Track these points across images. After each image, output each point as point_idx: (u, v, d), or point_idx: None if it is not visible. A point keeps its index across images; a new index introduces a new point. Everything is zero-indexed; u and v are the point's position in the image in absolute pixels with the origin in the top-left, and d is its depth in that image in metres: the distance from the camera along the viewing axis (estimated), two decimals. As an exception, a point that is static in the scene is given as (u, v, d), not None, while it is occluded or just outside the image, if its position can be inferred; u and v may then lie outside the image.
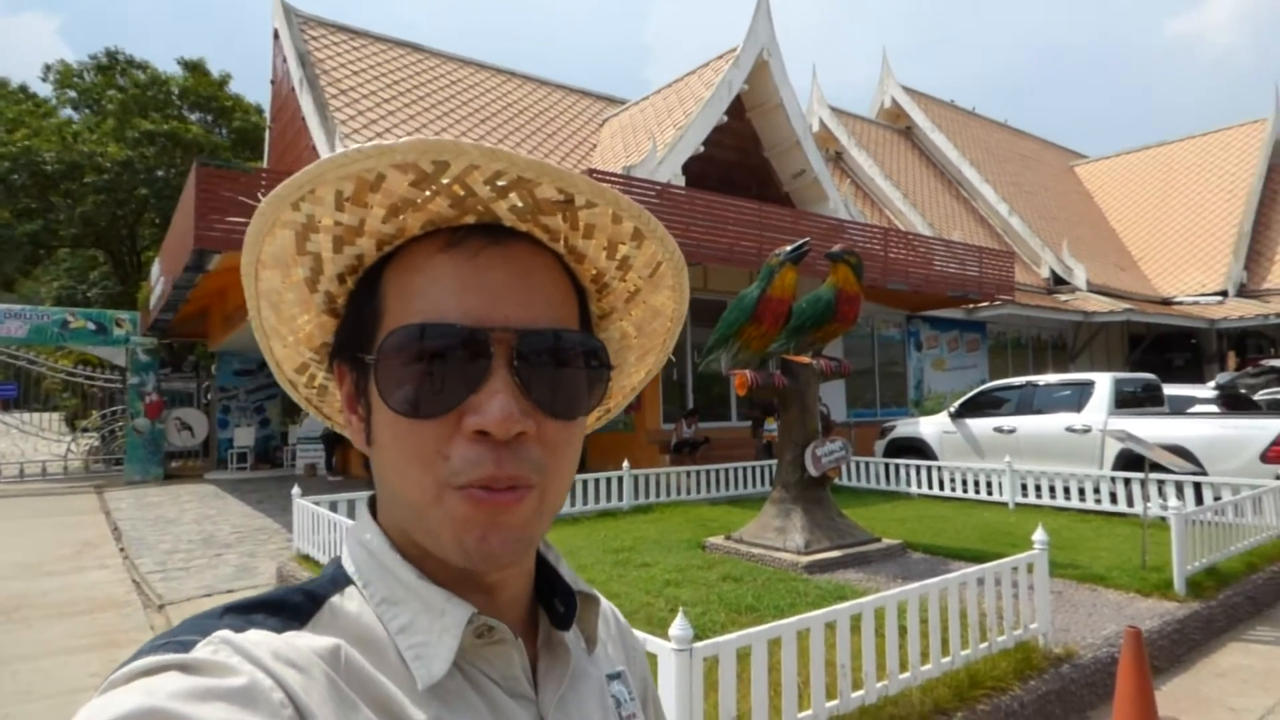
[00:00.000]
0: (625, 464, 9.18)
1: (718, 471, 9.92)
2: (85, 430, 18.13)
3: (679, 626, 2.71)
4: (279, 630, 0.48)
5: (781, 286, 6.35)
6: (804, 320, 6.69)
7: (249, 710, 0.41)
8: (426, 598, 0.52)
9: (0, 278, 24.69)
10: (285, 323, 0.59)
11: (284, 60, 14.92)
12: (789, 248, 6.46)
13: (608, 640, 0.69)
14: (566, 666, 0.59)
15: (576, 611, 0.60)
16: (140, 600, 6.12)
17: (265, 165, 18.44)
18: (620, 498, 8.96)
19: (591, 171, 10.27)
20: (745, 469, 10.18)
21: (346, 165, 0.49)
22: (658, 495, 9.39)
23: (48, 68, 25.99)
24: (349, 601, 0.53)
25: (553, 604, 0.61)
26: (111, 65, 25.88)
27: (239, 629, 0.46)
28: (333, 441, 14.19)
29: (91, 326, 15.36)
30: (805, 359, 6.63)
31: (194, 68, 26.86)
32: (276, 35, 15.32)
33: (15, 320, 14.64)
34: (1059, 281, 21.25)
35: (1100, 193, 28.91)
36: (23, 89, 26.07)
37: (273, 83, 16.62)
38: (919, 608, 3.52)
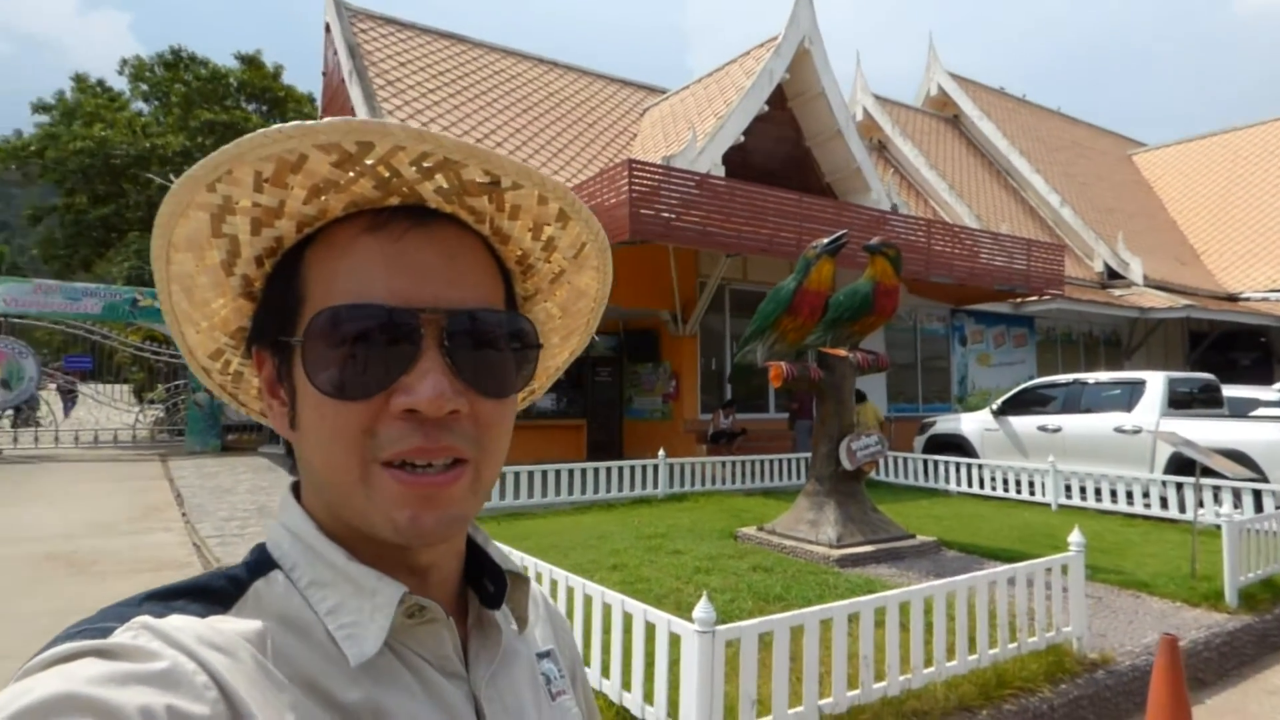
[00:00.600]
0: (661, 452, 9.23)
1: (753, 462, 9.92)
2: (151, 402, 19.10)
3: (702, 609, 2.76)
4: (202, 615, 0.47)
5: (818, 279, 6.32)
6: (841, 313, 6.65)
7: (171, 693, 0.40)
8: (357, 579, 0.52)
9: (78, 259, 25.84)
10: (198, 307, 0.57)
11: (334, 52, 15.20)
12: (826, 240, 6.42)
13: (537, 621, 0.69)
14: (498, 645, 0.59)
15: (507, 590, 0.60)
16: (200, 562, 6.42)
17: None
18: (655, 485, 9.02)
19: (631, 162, 10.28)
20: (780, 460, 10.16)
21: (267, 145, 0.48)
22: (693, 484, 9.43)
23: (124, 62, 27.09)
24: (274, 585, 0.52)
25: (482, 584, 0.61)
26: (177, 61, 26.85)
27: (159, 615, 0.45)
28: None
29: (158, 304, 16.00)
30: (842, 352, 6.59)
31: (250, 61, 27.63)
32: (328, 28, 15.61)
33: (91, 298, 15.39)
34: (1114, 275, 20.64)
35: (1160, 183, 27.94)
36: (100, 83, 27.19)
37: (324, 74, 16.95)
38: (945, 604, 3.51)
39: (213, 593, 0.50)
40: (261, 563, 0.54)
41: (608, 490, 8.68)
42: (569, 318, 0.70)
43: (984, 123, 23.55)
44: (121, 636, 0.43)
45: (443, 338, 0.52)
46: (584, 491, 8.51)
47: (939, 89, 24.54)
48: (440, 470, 0.51)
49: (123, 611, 0.46)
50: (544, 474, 8.30)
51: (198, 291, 0.56)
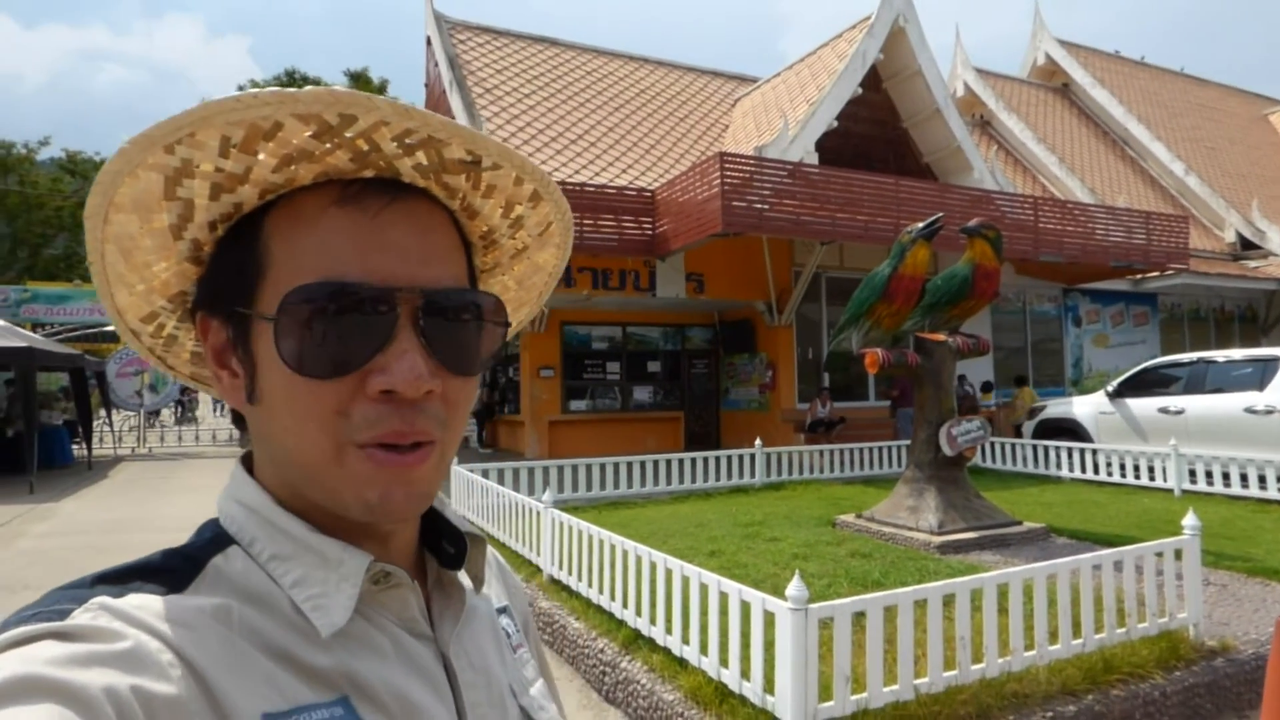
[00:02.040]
0: (758, 441, 9.28)
1: (851, 450, 9.83)
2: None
3: (795, 587, 2.85)
4: (161, 595, 0.46)
5: (913, 264, 6.25)
6: (939, 297, 6.54)
7: (136, 674, 0.40)
8: (322, 550, 0.51)
9: None
10: (136, 270, 0.54)
11: (435, 64, 15.87)
12: (921, 224, 6.34)
13: (492, 579, 0.69)
14: (462, 604, 0.60)
15: (468, 552, 0.60)
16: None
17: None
18: (752, 474, 9.08)
19: (722, 155, 10.33)
20: (879, 448, 10.03)
21: (239, 110, 0.46)
22: (790, 473, 9.44)
23: (241, 88, 28.98)
24: (232, 561, 0.51)
25: (440, 546, 0.61)
26: (291, 82, 28.52)
27: (117, 595, 0.44)
28: (484, 417, 15.10)
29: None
30: (940, 336, 6.49)
31: (357, 77, 29.10)
32: (429, 42, 16.30)
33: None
34: (1247, 245, 19.20)
35: (1302, 144, 25.72)
36: None
37: (426, 86, 17.71)
38: (1046, 587, 3.47)
39: (168, 571, 0.48)
40: (217, 538, 0.52)
41: (705, 480, 8.80)
42: (523, 290, 0.70)
43: (1097, 90, 22.26)
44: (80, 617, 0.42)
45: (418, 317, 0.51)
46: (681, 481, 8.65)
47: (1046, 57, 23.36)
48: (409, 450, 0.51)
49: (75, 594, 0.44)
50: (642, 464, 8.49)
51: (138, 254, 0.53)
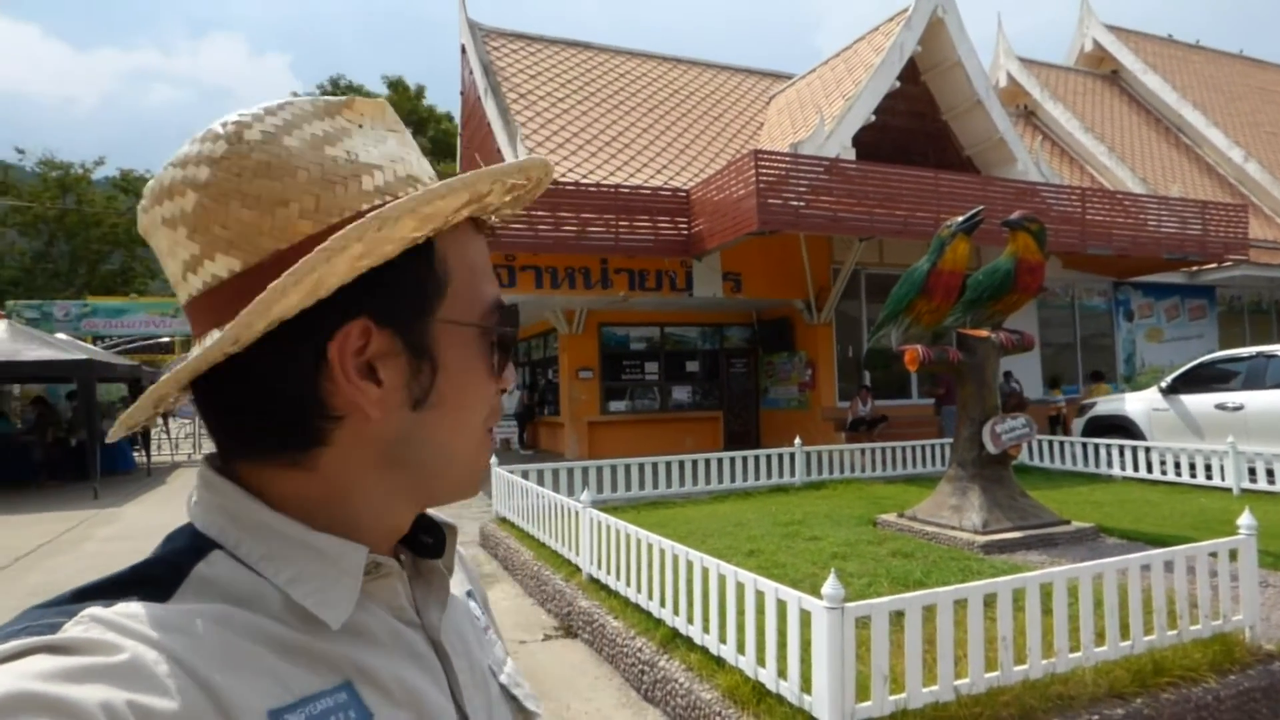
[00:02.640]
0: (797, 440, 9.21)
1: (893, 449, 9.70)
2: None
3: (831, 586, 2.82)
4: (150, 603, 0.45)
5: (953, 259, 6.14)
6: (980, 292, 6.43)
7: (133, 689, 0.39)
8: (320, 546, 0.52)
9: None
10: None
11: (470, 72, 16.07)
12: (960, 218, 6.23)
13: (456, 567, 0.71)
14: (445, 591, 0.62)
15: (446, 541, 0.63)
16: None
17: (458, 170, 19.94)
18: (792, 473, 9.02)
19: (757, 153, 10.28)
20: (921, 447, 9.88)
21: (508, 174, 0.56)
22: (830, 472, 9.34)
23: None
24: (216, 565, 0.50)
25: (416, 538, 0.63)
26: (335, 90, 29.14)
27: (105, 607, 0.44)
28: (524, 419, 15.23)
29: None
30: (982, 332, 6.37)
31: (395, 85, 29.61)
32: (464, 50, 16.51)
33: (273, 317, 17.43)
34: (1310, 234, 18.47)
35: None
36: None
37: (461, 93, 17.95)
38: (1092, 587, 3.38)
39: (151, 580, 0.48)
40: (198, 545, 0.51)
41: (744, 479, 8.76)
42: None
43: (1148, 76, 21.57)
44: (71, 630, 0.41)
45: None
46: (720, 481, 8.62)
47: (1094, 44, 22.73)
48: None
49: (60, 609, 0.44)
50: (680, 464, 8.48)
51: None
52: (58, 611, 0.43)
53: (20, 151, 32.92)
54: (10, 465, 12.81)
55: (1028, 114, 20.22)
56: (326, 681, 0.48)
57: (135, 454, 15.25)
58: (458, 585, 0.69)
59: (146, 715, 0.38)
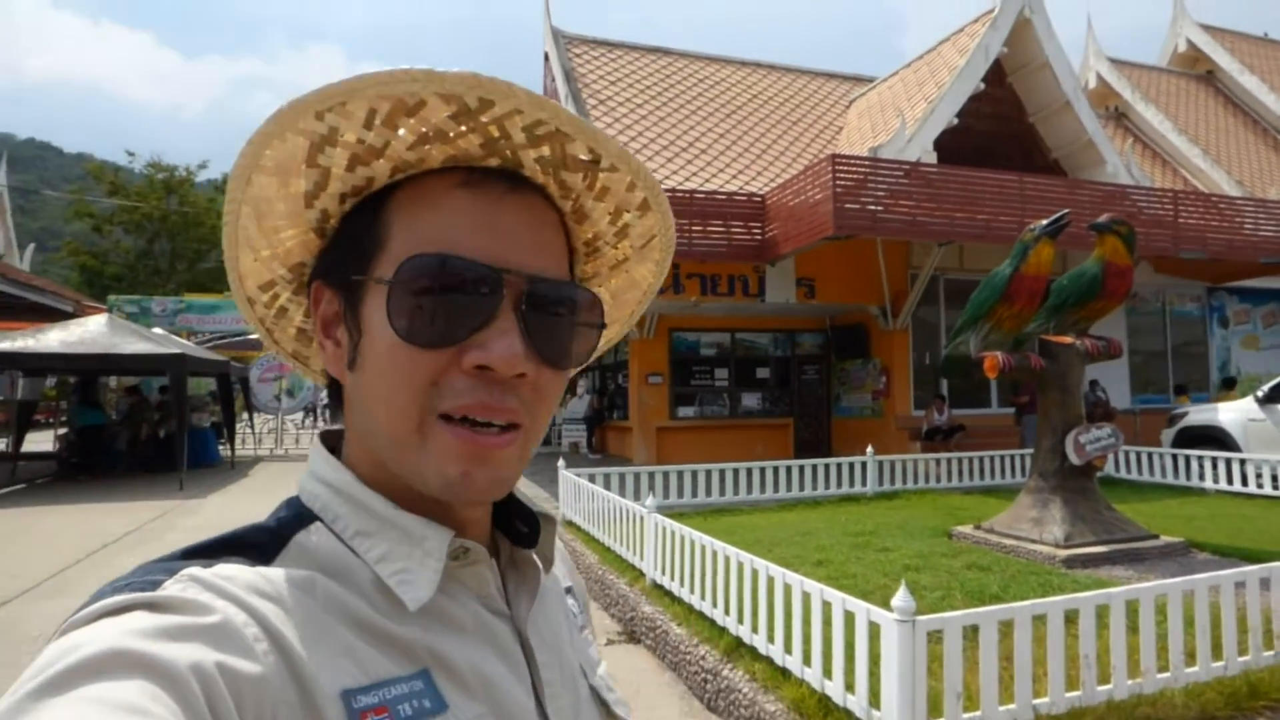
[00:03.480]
0: (869, 449, 9.04)
1: (970, 459, 9.43)
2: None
3: (901, 598, 2.76)
4: (249, 566, 0.47)
5: (1037, 263, 5.96)
6: (1065, 298, 6.22)
7: (223, 649, 0.40)
8: (406, 526, 0.52)
9: None
10: (265, 234, 0.56)
11: (552, 79, 16.33)
12: (1045, 221, 6.05)
13: (557, 560, 0.69)
14: (537, 583, 0.60)
15: (540, 532, 0.61)
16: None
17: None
18: (864, 483, 8.85)
19: (834, 157, 10.16)
20: (1000, 457, 9.56)
21: (391, 84, 0.47)
22: (904, 482, 9.14)
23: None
24: (316, 535, 0.52)
25: (513, 526, 0.62)
26: None
27: (205, 567, 0.45)
28: (594, 423, 15.37)
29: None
30: (1067, 339, 6.16)
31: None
32: (546, 57, 16.79)
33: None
34: None
35: None
36: None
37: (541, 100, 18.23)
38: (1182, 605, 3.24)
39: (255, 545, 0.50)
40: (300, 515, 0.54)
41: (814, 488, 8.64)
42: (617, 306, 0.70)
43: (1245, 76, 20.49)
44: (171, 589, 0.42)
45: (520, 301, 0.52)
46: (790, 489, 8.52)
47: (1188, 44, 21.73)
48: (497, 432, 0.52)
49: (165, 565, 0.45)
50: (748, 471, 8.43)
51: (270, 218, 0.55)
52: (163, 568, 0.45)
53: (131, 155, 34.99)
54: (103, 454, 13.44)
55: (1118, 116, 19.40)
56: (404, 668, 0.48)
57: (220, 447, 15.83)
58: (558, 580, 0.68)
59: (232, 676, 0.40)
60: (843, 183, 9.91)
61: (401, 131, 0.51)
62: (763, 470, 8.52)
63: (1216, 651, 3.31)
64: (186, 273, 33.84)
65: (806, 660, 3.36)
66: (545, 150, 0.53)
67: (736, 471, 8.36)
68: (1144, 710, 3.07)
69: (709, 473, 8.23)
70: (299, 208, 0.55)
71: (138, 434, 14.20)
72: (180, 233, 33.87)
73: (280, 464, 15.52)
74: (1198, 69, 21.68)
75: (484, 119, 0.50)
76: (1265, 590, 3.47)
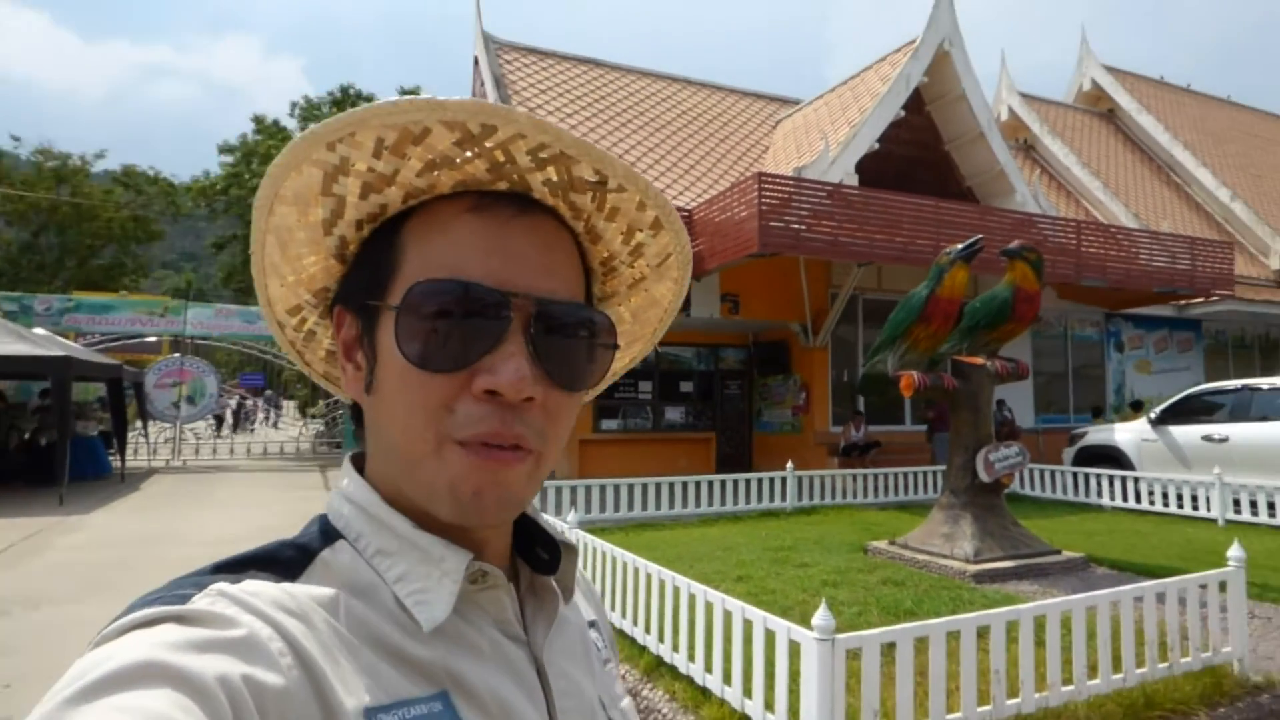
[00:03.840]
0: (789, 464, 9.18)
1: (886, 475, 9.69)
2: (313, 417, 20.70)
3: (821, 616, 2.77)
4: (275, 583, 0.48)
5: (952, 286, 6.17)
6: (977, 320, 6.45)
7: (249, 661, 0.41)
8: (424, 546, 0.53)
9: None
10: (289, 261, 0.58)
11: (482, 84, 16.11)
12: (960, 246, 6.26)
13: (580, 593, 0.70)
14: (555, 610, 0.60)
15: (561, 559, 0.61)
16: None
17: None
18: (784, 498, 8.98)
19: (761, 175, 10.33)
20: (914, 473, 9.87)
21: (395, 114, 0.49)
22: (822, 497, 9.32)
23: (294, 104, 29.51)
24: (340, 554, 0.53)
25: (534, 553, 0.63)
26: (345, 98, 28.98)
27: (234, 582, 0.46)
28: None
29: (327, 323, 17.58)
30: (978, 360, 6.38)
31: (410, 95, 29.69)
32: (476, 62, 16.56)
33: (263, 320, 17.12)
34: (1295, 274, 18.64)
35: (1357, 170, 24.93)
36: (275, 123, 29.65)
37: (469, 105, 17.96)
38: (1085, 620, 3.37)
39: (282, 562, 0.51)
40: (326, 533, 0.55)
41: (735, 503, 8.71)
42: (638, 324, 0.71)
43: (1143, 116, 21.90)
44: (200, 602, 0.44)
45: (529, 324, 0.53)
46: (711, 504, 8.58)
47: (1092, 83, 23.05)
48: (506, 449, 0.52)
49: (197, 580, 0.47)
50: (670, 486, 8.44)
51: (293, 246, 0.57)
52: (193, 583, 0.46)
53: (16, 139, 32.50)
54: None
55: (1027, 148, 20.40)
56: (424, 689, 0.49)
57: (110, 457, 14.60)
58: (580, 612, 0.68)
59: (258, 689, 0.41)
60: (768, 201, 10.08)
61: (410, 159, 0.52)
62: (685, 485, 8.55)
63: (1116, 664, 3.45)
64: (77, 269, 31.53)
65: (727, 679, 3.35)
66: (551, 173, 0.54)
67: (659, 486, 8.36)
68: (1049, 723, 3.17)
69: (631, 487, 8.20)
70: (319, 235, 0.57)
71: (6, 443, 13.01)
72: (72, 226, 31.45)
73: (176, 476, 14.60)
74: (1100, 107, 23.01)
75: (488, 144, 0.52)
76: (1161, 604, 3.64)
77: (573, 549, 0.62)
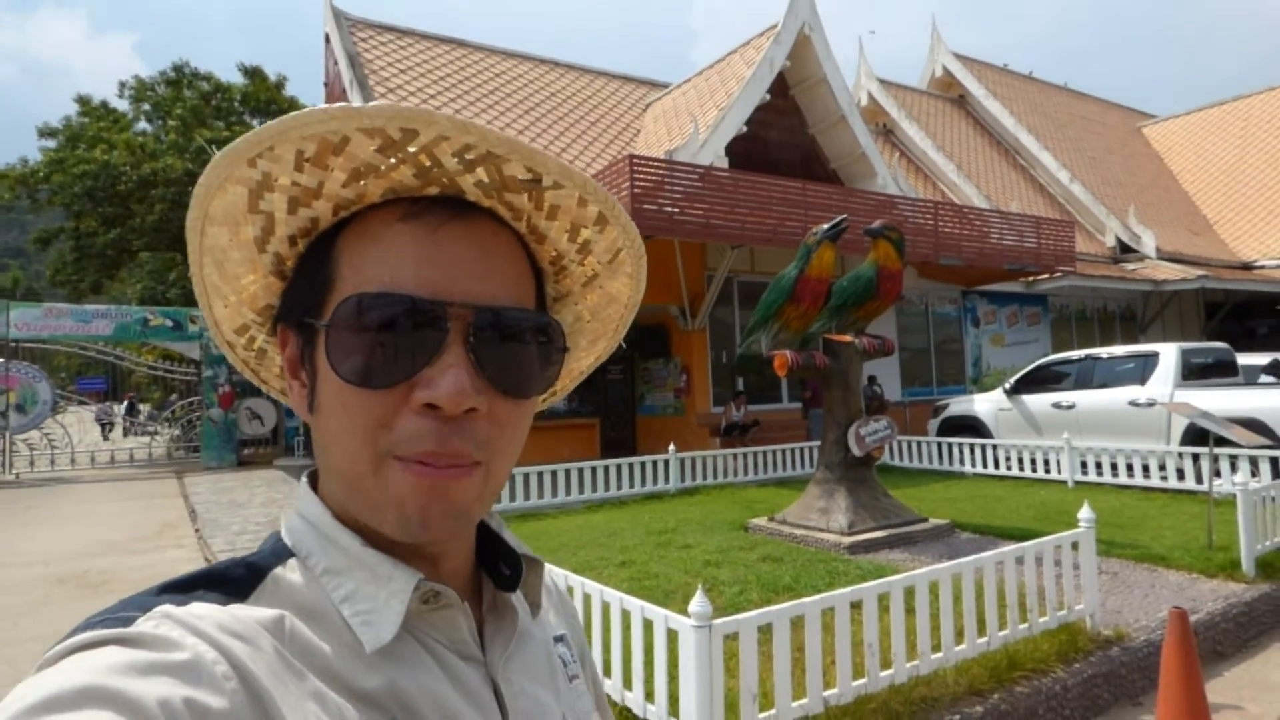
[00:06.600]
0: (671, 447, 9.21)
1: (765, 453, 9.88)
2: (167, 420, 19.21)
3: (698, 603, 2.73)
4: (222, 604, 0.47)
5: (819, 265, 6.27)
6: (845, 299, 6.61)
7: (192, 685, 0.40)
8: (372, 565, 0.51)
9: (88, 281, 25.89)
10: (228, 281, 0.57)
11: (335, 63, 15.27)
12: (826, 226, 6.38)
13: (549, 606, 0.69)
14: (513, 628, 0.59)
15: (523, 574, 0.60)
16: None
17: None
18: (667, 480, 9.01)
19: (632, 158, 10.25)
20: (792, 450, 10.12)
21: (311, 125, 0.47)
22: (704, 478, 9.41)
23: (123, 84, 27.00)
24: (291, 573, 0.52)
25: (497, 568, 0.61)
26: (179, 78, 26.77)
27: (180, 604, 0.45)
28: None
29: (169, 324, 16.14)
30: (847, 338, 6.54)
31: (253, 73, 27.69)
32: (328, 39, 15.68)
33: (102, 319, 15.55)
34: (1126, 250, 20.39)
35: (1171, 154, 27.55)
36: (103, 105, 27.07)
37: (326, 85, 17.03)
38: (952, 586, 3.47)
39: (231, 581, 0.50)
40: (279, 550, 0.54)
41: (619, 488, 8.67)
42: (598, 322, 0.69)
43: (990, 102, 23.33)
44: (143, 625, 0.43)
45: (469, 333, 0.51)
46: (595, 490, 8.50)
47: (944, 70, 24.33)
48: (450, 464, 0.50)
49: (143, 601, 0.46)
50: (553, 474, 8.30)
51: (229, 266, 0.56)
52: (139, 604, 0.45)
53: None
54: None
55: (886, 132, 21.31)
56: (370, 715, 0.47)
57: None
58: (547, 627, 0.66)
59: (200, 713, 0.39)
60: (641, 184, 10.03)
61: (334, 170, 0.50)
62: (569, 472, 8.43)
63: (981, 628, 3.58)
64: None
65: (607, 671, 3.27)
66: (482, 174, 0.52)
67: (542, 474, 8.21)
68: (920, 691, 3.25)
69: (514, 477, 7.99)
70: (253, 254, 0.55)
71: None
72: None
73: (9, 491, 13.12)
74: (952, 93, 24.36)
75: (411, 149, 0.49)
76: (1020, 566, 3.80)
77: (537, 563, 0.61)
